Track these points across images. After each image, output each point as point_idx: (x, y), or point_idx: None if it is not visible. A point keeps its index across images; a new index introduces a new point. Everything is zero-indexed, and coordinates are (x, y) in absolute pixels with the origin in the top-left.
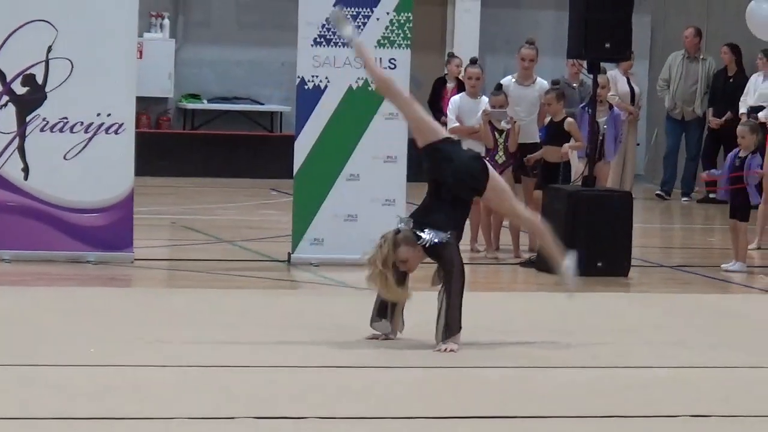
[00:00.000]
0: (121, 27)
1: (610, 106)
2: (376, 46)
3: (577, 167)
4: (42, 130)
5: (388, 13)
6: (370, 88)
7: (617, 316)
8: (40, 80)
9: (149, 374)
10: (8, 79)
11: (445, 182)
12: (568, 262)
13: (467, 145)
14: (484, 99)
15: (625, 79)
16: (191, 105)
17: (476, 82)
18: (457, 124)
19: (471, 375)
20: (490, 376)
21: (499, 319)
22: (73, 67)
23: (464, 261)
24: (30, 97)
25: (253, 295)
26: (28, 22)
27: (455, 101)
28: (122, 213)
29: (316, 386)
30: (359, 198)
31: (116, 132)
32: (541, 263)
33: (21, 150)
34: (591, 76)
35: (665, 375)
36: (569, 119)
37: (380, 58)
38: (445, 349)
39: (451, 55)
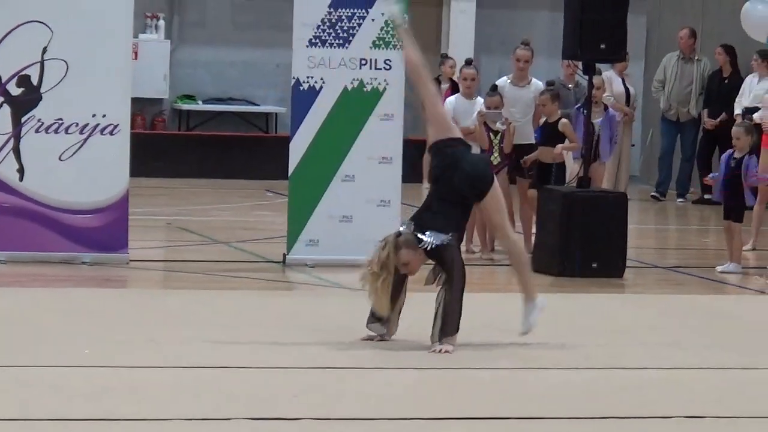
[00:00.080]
0: (116, 28)
1: (606, 107)
2: (371, 47)
3: (572, 168)
4: (37, 131)
5: (383, 14)
6: (365, 89)
7: (612, 317)
8: (35, 81)
9: (145, 375)
10: (3, 80)
11: (450, 183)
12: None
13: None
14: (479, 100)
15: (621, 80)
16: (186, 106)
17: (471, 83)
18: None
19: (466, 376)
20: (485, 377)
21: (494, 320)
22: (68, 68)
23: None
24: (25, 98)
25: (248, 296)
26: (23, 23)
27: (450, 102)
28: (117, 214)
29: (312, 387)
30: (354, 199)
31: (111, 133)
32: (536, 264)
33: (16, 151)
34: (586, 77)
35: (659, 376)
36: (564, 120)
37: (375, 59)
38: (440, 350)
39: (445, 56)
